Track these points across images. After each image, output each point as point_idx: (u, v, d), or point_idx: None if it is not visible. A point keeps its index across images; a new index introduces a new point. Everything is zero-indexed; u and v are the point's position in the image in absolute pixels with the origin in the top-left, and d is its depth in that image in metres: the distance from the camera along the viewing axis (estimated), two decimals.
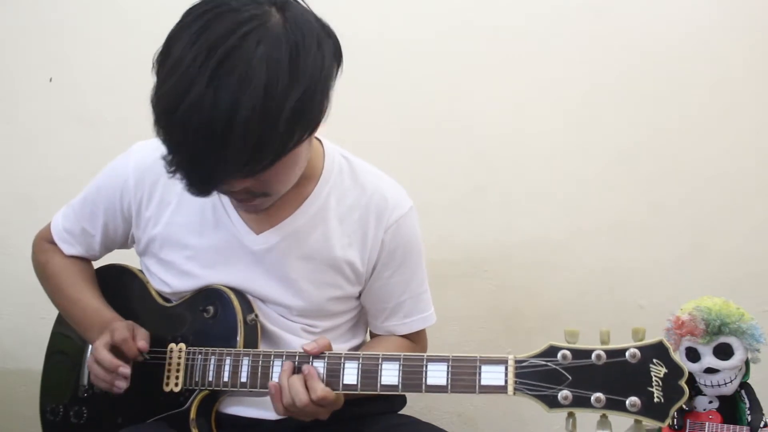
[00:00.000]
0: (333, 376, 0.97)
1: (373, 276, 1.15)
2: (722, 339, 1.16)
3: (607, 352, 0.82)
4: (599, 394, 0.81)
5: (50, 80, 1.76)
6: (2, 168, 1.77)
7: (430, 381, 0.91)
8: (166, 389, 1.08)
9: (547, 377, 0.83)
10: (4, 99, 1.77)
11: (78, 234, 1.21)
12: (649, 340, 0.81)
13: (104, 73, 1.75)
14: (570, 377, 0.82)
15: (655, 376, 0.79)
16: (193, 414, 1.06)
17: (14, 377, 1.74)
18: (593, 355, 0.82)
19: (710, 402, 1.19)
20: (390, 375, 0.93)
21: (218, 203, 1.11)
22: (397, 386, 0.93)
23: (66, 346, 1.25)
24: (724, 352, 1.16)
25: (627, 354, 0.81)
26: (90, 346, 1.18)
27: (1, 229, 1.77)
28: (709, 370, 1.16)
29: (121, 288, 1.22)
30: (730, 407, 1.18)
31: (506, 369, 0.86)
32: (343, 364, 0.97)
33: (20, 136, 1.76)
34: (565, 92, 1.70)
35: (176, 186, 1.08)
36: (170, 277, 1.14)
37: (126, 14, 1.74)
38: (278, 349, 1.05)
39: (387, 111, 1.69)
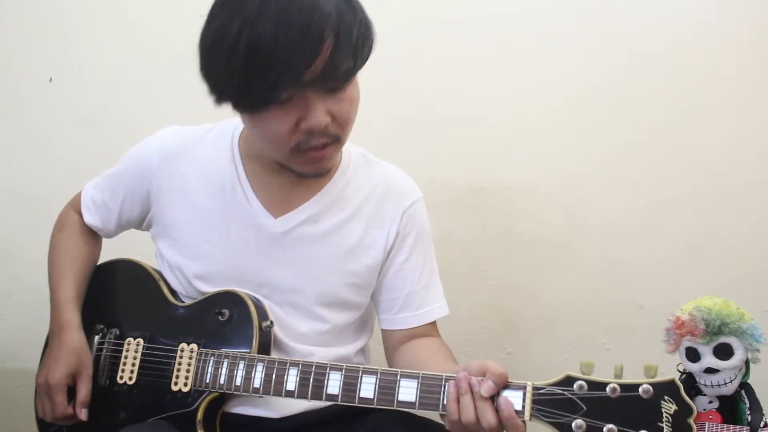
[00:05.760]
0: (350, 390, 0.96)
1: (387, 260, 1.18)
2: (722, 339, 1.15)
3: (621, 386, 0.84)
4: (612, 426, 0.83)
5: (50, 80, 1.76)
6: (2, 168, 1.77)
7: (445, 401, 0.91)
8: (174, 388, 1.08)
9: (563, 405, 0.85)
10: (4, 99, 1.77)
11: (100, 204, 1.23)
12: (661, 377, 0.84)
13: (104, 73, 1.76)
14: (585, 407, 0.85)
15: (666, 412, 0.82)
16: (200, 415, 1.06)
17: (14, 377, 1.74)
18: (608, 388, 0.84)
19: (710, 402, 1.19)
20: (408, 392, 0.93)
21: (238, 187, 1.13)
22: (414, 403, 0.93)
23: None
24: (724, 352, 1.15)
25: (640, 389, 0.83)
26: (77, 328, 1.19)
27: (1, 229, 1.77)
28: (709, 370, 1.15)
29: (133, 284, 1.22)
30: (730, 407, 1.18)
31: (524, 395, 0.87)
32: (361, 378, 0.96)
33: (20, 136, 1.76)
34: (565, 91, 1.70)
35: (198, 170, 1.15)
36: (185, 259, 1.15)
37: (126, 14, 1.75)
38: (292, 357, 1.04)
39: (387, 110, 1.69)
